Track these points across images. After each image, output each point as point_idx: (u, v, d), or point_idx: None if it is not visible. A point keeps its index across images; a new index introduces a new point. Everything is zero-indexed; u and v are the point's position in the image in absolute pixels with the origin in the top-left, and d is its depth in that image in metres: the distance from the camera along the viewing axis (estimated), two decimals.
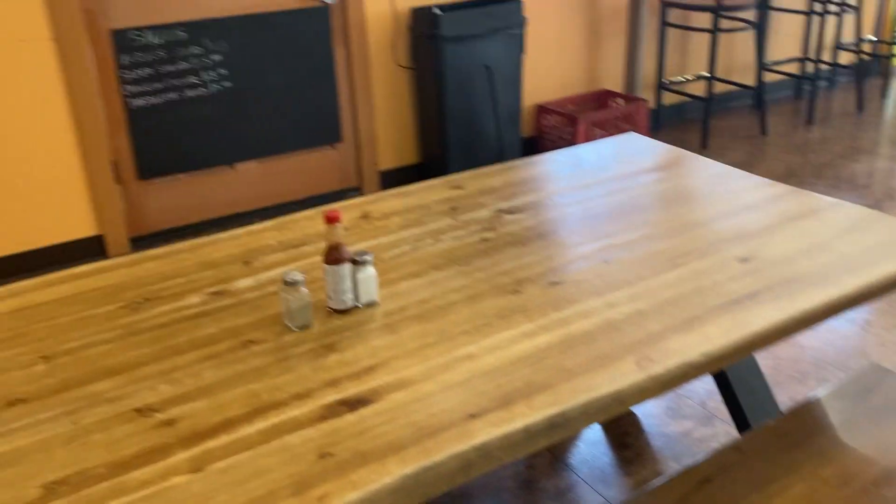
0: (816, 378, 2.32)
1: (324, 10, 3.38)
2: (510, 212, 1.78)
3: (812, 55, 4.85)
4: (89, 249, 3.18)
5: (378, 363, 1.22)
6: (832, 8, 4.63)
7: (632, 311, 1.34)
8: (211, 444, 1.06)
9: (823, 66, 4.93)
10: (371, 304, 1.39)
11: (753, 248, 1.55)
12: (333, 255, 1.34)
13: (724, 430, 2.12)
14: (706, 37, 4.47)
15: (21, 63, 2.86)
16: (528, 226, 1.70)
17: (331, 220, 1.33)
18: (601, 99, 4.24)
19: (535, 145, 4.12)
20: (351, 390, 1.16)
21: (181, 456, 1.04)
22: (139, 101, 3.12)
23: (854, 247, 1.53)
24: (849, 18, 5.03)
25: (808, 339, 2.51)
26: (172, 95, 3.18)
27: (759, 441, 1.48)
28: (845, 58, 5.16)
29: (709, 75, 4.08)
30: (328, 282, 1.35)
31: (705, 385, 2.30)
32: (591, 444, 2.10)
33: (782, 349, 2.46)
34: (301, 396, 1.15)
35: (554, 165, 2.06)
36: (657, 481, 1.42)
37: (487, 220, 1.73)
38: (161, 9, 3.06)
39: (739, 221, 1.67)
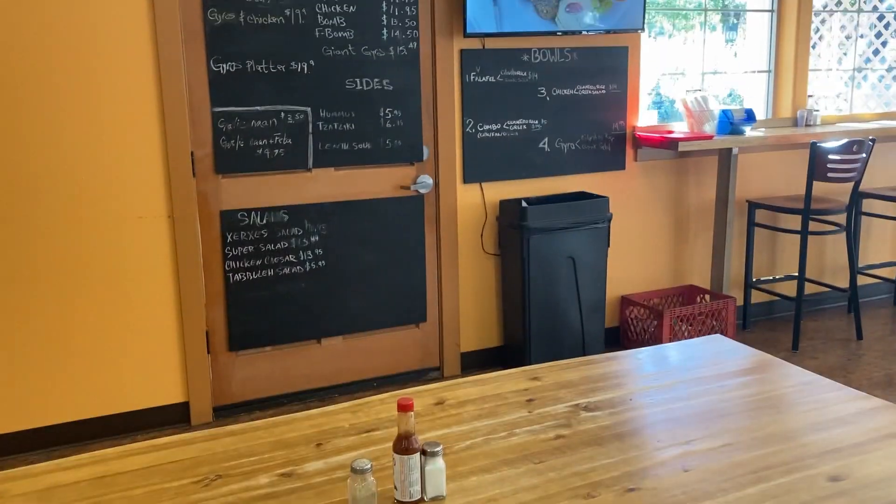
0: None
1: (418, 199, 3.58)
2: (587, 409, 1.75)
3: None
4: (175, 416, 3.27)
5: None
6: None
7: None
8: None
9: None
10: (438, 499, 1.37)
11: (845, 466, 1.46)
12: (403, 445, 1.34)
13: None
14: (796, 237, 4.46)
15: (136, 237, 3.11)
16: (605, 424, 1.66)
17: (403, 408, 1.34)
18: (688, 294, 4.22)
19: (618, 336, 4.09)
20: None
21: None
22: (238, 276, 3.31)
23: None
24: None
25: None
26: (269, 272, 3.36)
27: None
28: None
29: (799, 276, 4.02)
30: (396, 471, 1.34)
31: None
32: None
33: None
34: None
35: (634, 363, 2.04)
36: None
37: (564, 416, 1.70)
38: (268, 193, 3.31)
39: (830, 436, 1.58)
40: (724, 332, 3.99)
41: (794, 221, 4.33)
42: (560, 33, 3.58)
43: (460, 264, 3.71)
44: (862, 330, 4.22)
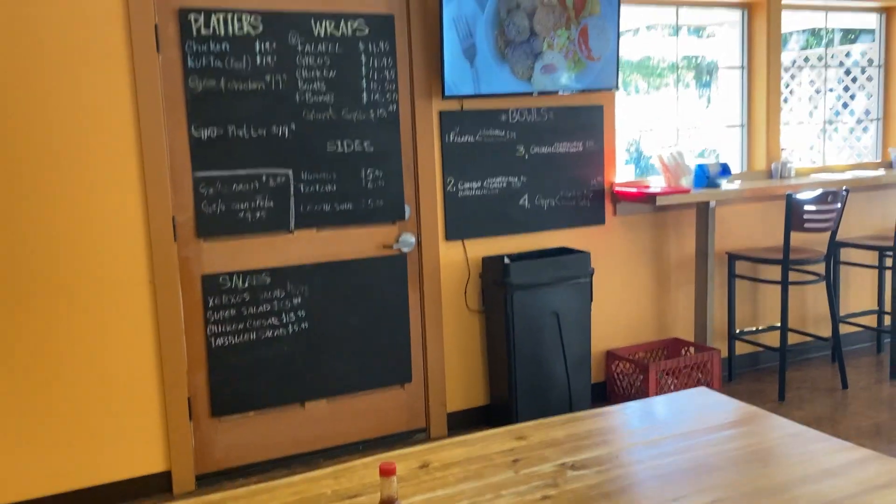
0: None
1: (401, 258, 3.58)
2: (574, 467, 1.72)
3: (888, 308, 4.78)
4: (156, 486, 3.19)
5: None
6: None
7: None
8: None
9: None
10: None
11: None
12: None
13: None
14: (777, 287, 4.49)
15: (117, 303, 3.08)
16: (591, 483, 1.64)
17: (385, 472, 1.32)
18: (672, 347, 4.22)
19: (604, 390, 4.07)
20: None
21: None
22: (220, 341, 3.27)
23: None
24: None
25: None
26: (251, 336, 3.33)
27: None
28: None
29: (781, 326, 4.04)
30: None
31: None
32: None
33: None
34: None
35: (621, 418, 2.02)
36: None
37: (550, 475, 1.68)
38: (250, 256, 3.30)
39: (820, 489, 1.57)
40: (709, 385, 3.98)
41: (774, 272, 4.36)
42: (536, 94, 3.65)
43: (444, 322, 3.69)
44: (847, 379, 4.23)
